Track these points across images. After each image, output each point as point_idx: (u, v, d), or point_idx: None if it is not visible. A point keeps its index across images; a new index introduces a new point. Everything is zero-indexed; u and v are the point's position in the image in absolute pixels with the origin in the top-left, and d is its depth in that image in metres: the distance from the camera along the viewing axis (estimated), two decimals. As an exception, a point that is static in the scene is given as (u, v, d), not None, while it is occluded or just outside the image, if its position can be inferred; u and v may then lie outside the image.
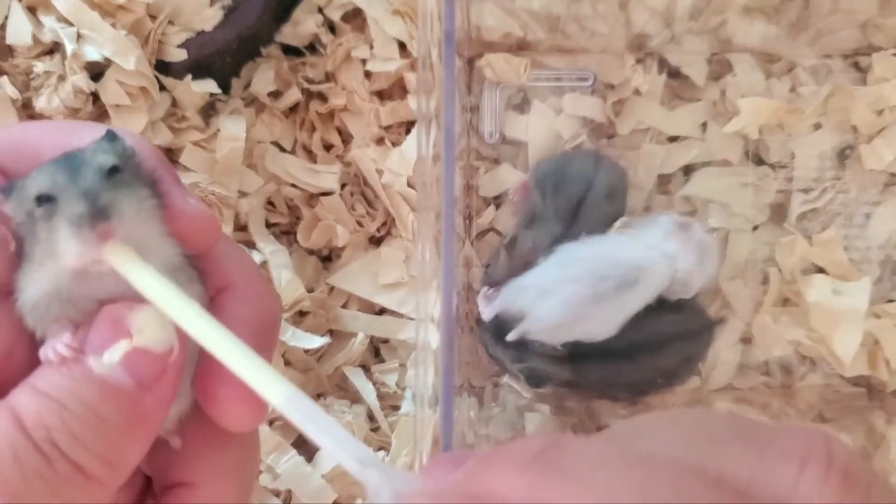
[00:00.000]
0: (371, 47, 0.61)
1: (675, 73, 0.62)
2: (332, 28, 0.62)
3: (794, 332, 0.59)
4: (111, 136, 0.30)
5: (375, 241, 0.62)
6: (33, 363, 0.29)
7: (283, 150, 0.62)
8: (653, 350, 0.53)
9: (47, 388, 0.27)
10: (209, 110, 0.61)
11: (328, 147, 0.63)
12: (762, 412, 0.57)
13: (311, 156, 0.62)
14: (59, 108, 0.55)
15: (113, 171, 0.28)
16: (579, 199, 0.56)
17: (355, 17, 0.62)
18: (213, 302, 0.31)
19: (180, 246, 0.30)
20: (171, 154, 0.60)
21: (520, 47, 0.62)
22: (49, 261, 0.28)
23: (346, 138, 0.62)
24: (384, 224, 0.62)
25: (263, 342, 0.31)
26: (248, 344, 0.29)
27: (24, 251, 0.29)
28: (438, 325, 0.46)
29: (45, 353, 0.28)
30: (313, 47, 0.63)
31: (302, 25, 0.62)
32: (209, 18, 0.58)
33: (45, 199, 0.28)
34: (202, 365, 0.29)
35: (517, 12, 0.59)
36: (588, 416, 0.58)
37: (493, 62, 0.61)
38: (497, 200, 0.62)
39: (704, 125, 0.62)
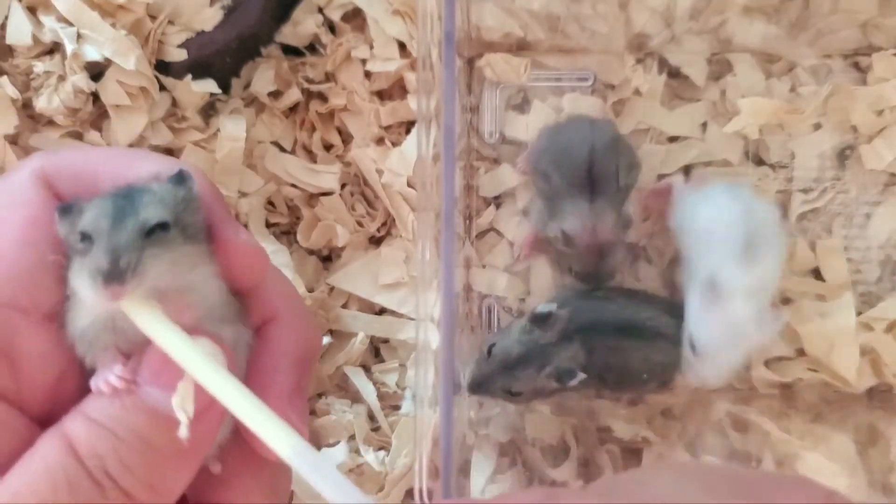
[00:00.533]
0: (371, 47, 0.61)
1: (675, 73, 0.62)
2: (332, 28, 0.62)
3: (794, 367, 0.59)
4: (179, 179, 0.31)
5: (375, 241, 0.62)
6: (83, 388, 0.30)
7: (283, 150, 0.62)
8: (647, 337, 0.54)
9: (99, 416, 0.28)
10: (209, 110, 0.61)
11: (328, 147, 0.63)
12: (762, 412, 0.57)
13: (311, 156, 0.62)
14: (59, 108, 0.55)
15: (158, 227, 0.29)
16: (588, 164, 0.55)
17: (355, 17, 0.62)
18: (259, 333, 0.32)
19: (227, 285, 0.31)
20: (171, 154, 0.60)
21: (520, 47, 0.62)
22: (78, 292, 0.29)
23: (346, 138, 0.62)
24: (384, 224, 0.62)
25: (304, 372, 0.33)
26: (290, 374, 0.31)
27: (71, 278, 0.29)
28: (438, 325, 0.46)
29: (96, 383, 0.29)
30: (313, 47, 0.63)
31: (302, 25, 0.62)
32: (209, 18, 0.58)
33: (86, 237, 0.29)
34: None
35: (517, 12, 0.59)
36: (588, 416, 0.58)
37: (493, 62, 0.61)
38: (497, 200, 0.62)
39: (704, 125, 0.62)
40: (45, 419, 0.29)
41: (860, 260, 0.61)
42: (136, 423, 0.28)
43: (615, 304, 0.55)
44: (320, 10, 0.62)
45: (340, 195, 0.61)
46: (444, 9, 0.47)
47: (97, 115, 0.58)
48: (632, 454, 0.57)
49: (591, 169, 0.54)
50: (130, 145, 0.58)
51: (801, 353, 0.59)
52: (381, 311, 0.61)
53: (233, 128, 0.59)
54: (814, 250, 0.60)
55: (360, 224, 0.61)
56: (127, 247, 0.28)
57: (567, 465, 0.56)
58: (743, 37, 0.60)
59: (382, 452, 0.58)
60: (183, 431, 0.28)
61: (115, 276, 0.27)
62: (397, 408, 0.60)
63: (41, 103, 0.55)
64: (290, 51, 0.63)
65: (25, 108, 0.57)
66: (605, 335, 0.53)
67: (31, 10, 0.56)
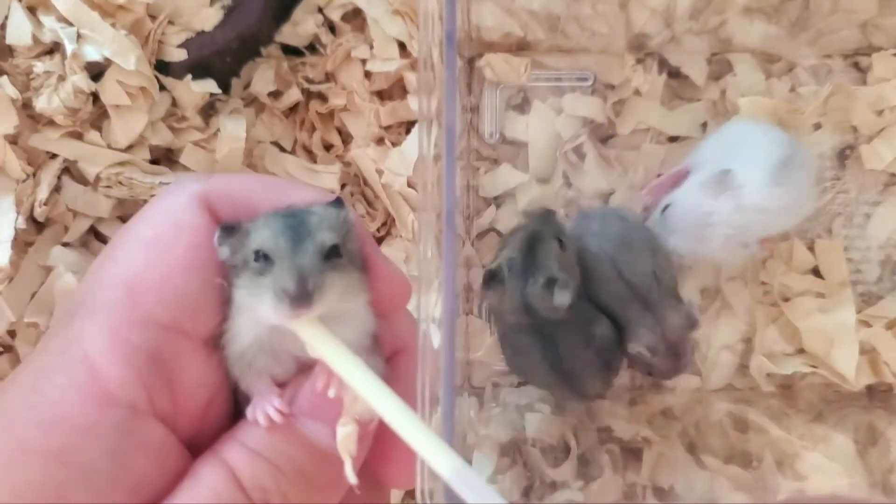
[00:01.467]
0: (371, 47, 0.61)
1: (675, 73, 0.62)
2: (332, 28, 0.62)
3: (793, 362, 0.59)
4: (339, 204, 0.31)
5: (376, 241, 0.62)
6: (228, 413, 0.30)
7: (283, 150, 0.62)
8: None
9: (258, 447, 0.29)
10: (209, 110, 0.61)
11: (328, 147, 0.63)
12: (762, 412, 0.57)
13: (311, 156, 0.62)
14: (59, 108, 0.55)
15: (332, 251, 0.29)
16: (621, 280, 0.53)
17: (355, 17, 0.62)
18: (389, 363, 0.33)
19: (375, 314, 0.32)
20: (171, 154, 0.60)
21: (520, 47, 0.62)
22: (251, 311, 0.29)
23: (346, 138, 0.62)
24: (384, 224, 0.62)
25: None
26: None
27: (232, 298, 0.30)
28: (439, 325, 0.46)
29: (252, 413, 0.29)
30: (313, 47, 0.63)
31: (302, 25, 0.62)
32: (209, 18, 0.58)
33: (262, 256, 0.29)
34: (381, 426, 0.30)
35: (517, 12, 0.59)
36: (588, 416, 0.58)
37: (493, 62, 0.61)
38: (497, 200, 0.62)
39: (704, 125, 0.62)
40: (190, 442, 0.30)
41: (860, 260, 0.61)
42: (296, 457, 0.29)
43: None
44: (320, 10, 0.62)
45: (340, 195, 0.61)
46: (444, 9, 0.47)
47: (97, 115, 0.58)
48: (632, 454, 0.57)
49: (627, 282, 0.53)
50: (130, 145, 0.58)
51: (800, 351, 0.59)
52: (382, 311, 0.61)
53: (233, 128, 0.59)
54: (813, 250, 0.60)
55: (360, 224, 0.61)
56: (312, 269, 0.28)
57: (567, 465, 0.56)
58: (743, 37, 0.60)
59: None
60: (350, 475, 0.28)
61: (302, 298, 0.28)
62: (397, 408, 0.60)
63: (41, 103, 0.55)
64: (290, 51, 0.63)
65: (25, 108, 0.57)
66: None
67: (31, 10, 0.56)
